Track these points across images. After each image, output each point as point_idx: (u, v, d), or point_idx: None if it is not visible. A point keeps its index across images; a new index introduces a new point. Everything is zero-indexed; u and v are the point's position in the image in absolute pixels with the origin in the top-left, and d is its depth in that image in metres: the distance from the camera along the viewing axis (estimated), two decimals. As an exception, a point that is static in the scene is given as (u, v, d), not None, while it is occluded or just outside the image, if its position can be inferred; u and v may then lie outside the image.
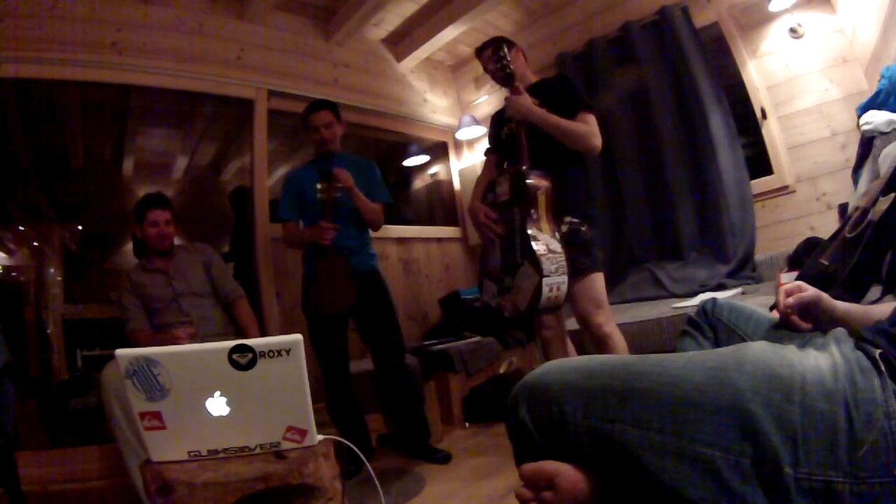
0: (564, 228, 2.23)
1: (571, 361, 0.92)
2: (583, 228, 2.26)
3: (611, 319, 2.25)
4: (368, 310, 2.81)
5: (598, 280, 2.25)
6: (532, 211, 2.12)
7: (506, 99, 2.30)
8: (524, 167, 2.16)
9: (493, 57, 2.26)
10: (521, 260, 2.07)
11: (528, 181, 2.12)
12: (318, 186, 2.64)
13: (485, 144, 4.90)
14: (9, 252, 3.90)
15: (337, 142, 2.88)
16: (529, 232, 2.07)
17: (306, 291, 2.80)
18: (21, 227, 3.95)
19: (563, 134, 2.23)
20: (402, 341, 2.95)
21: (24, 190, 3.86)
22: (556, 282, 2.02)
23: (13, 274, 3.91)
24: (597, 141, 2.25)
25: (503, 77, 2.25)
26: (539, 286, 1.98)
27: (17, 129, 3.54)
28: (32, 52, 2.85)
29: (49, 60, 2.90)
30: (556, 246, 2.09)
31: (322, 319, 2.73)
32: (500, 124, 2.48)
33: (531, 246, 2.03)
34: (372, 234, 2.97)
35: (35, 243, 4.01)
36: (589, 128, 2.24)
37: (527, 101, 2.24)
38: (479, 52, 2.50)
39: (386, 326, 2.85)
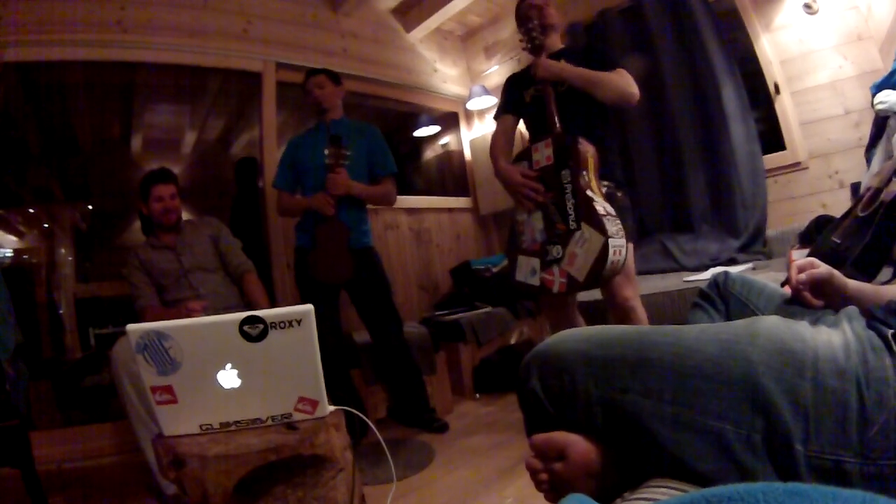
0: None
1: (584, 331, 0.91)
2: (618, 194, 2.17)
3: (637, 293, 2.17)
4: (364, 285, 2.81)
5: (629, 251, 2.15)
6: (584, 172, 1.97)
7: (533, 62, 2.19)
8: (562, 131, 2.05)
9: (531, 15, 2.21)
10: (577, 224, 1.92)
11: (578, 144, 1.98)
12: (326, 152, 2.60)
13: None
14: (19, 235, 3.91)
15: (334, 106, 2.86)
16: (588, 193, 1.93)
17: (300, 261, 2.76)
18: (31, 210, 3.96)
19: (596, 85, 2.13)
20: (398, 315, 2.95)
21: (34, 172, 3.86)
22: (618, 244, 1.89)
23: (24, 256, 3.92)
24: (634, 89, 2.15)
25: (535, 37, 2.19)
26: (605, 248, 1.83)
27: (25, 113, 3.54)
28: (36, 35, 2.82)
29: (53, 42, 2.87)
30: (612, 209, 1.96)
31: (316, 288, 2.68)
32: (520, 87, 2.40)
33: (593, 206, 1.89)
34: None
35: (45, 225, 4.02)
36: (623, 77, 2.16)
37: (553, 61, 2.16)
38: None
39: (382, 301, 2.86)
